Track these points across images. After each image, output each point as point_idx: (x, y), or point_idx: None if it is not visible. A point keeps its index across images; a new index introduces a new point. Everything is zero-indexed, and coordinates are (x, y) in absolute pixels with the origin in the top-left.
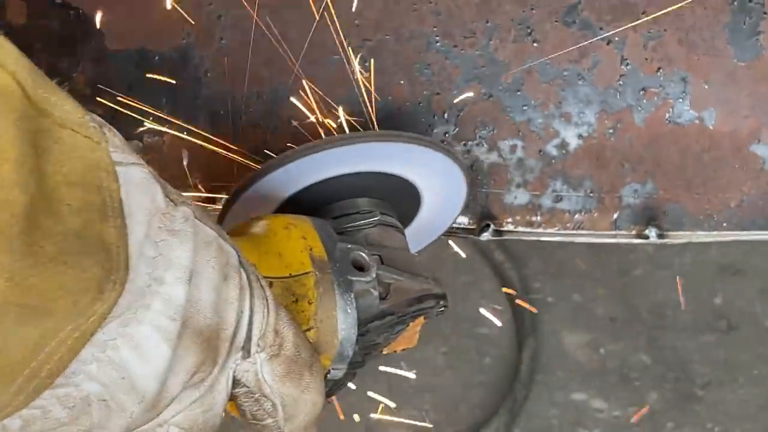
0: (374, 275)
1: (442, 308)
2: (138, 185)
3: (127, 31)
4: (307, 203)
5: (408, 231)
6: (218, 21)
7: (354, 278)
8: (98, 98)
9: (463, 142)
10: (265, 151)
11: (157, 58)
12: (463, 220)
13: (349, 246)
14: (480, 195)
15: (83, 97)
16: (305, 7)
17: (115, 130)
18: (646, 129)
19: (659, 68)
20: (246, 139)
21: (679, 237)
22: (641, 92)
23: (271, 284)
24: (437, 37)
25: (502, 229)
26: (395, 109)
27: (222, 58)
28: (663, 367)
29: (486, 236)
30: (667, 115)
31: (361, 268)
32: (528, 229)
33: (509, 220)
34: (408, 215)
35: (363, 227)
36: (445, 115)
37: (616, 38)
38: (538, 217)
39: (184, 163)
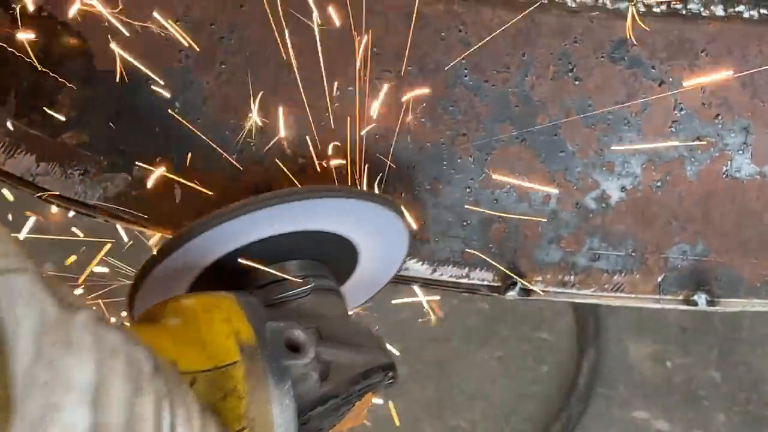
0: (312, 355)
1: (391, 380)
2: (21, 296)
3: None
4: (230, 271)
5: (345, 287)
6: (220, 43)
7: (289, 362)
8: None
9: (490, 191)
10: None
11: (149, 81)
12: (487, 277)
13: (282, 324)
14: (507, 250)
15: (68, 119)
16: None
17: None
18: (699, 183)
19: (718, 115)
20: (246, 177)
21: (732, 305)
22: (695, 141)
23: (194, 381)
24: (466, 71)
25: (530, 288)
26: (416, 149)
27: (222, 85)
28: (734, 386)
29: (512, 295)
30: (724, 169)
31: (296, 348)
32: (560, 290)
33: (539, 278)
34: (344, 270)
35: (295, 297)
36: (471, 159)
37: (670, 79)
38: (572, 277)
39: (176, 200)
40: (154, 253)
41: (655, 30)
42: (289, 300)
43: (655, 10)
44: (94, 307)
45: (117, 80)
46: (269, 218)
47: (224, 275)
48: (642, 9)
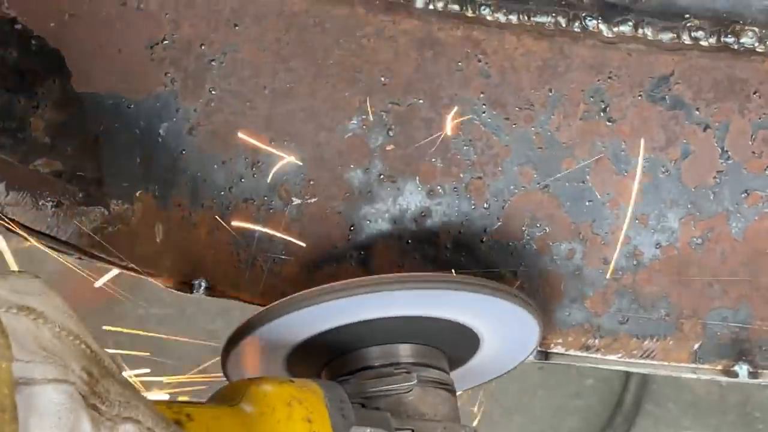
0: None
1: None
2: (48, 415)
3: (98, 70)
4: (329, 346)
5: (460, 371)
6: (210, 67)
7: None
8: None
9: (507, 242)
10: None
11: (131, 106)
12: None
13: (368, 431)
14: None
15: (40, 145)
16: (321, 53)
17: (43, 318)
18: (745, 242)
19: None
20: (235, 217)
21: None
22: (743, 195)
23: None
24: (484, 106)
25: (549, 351)
26: (426, 191)
27: (212, 113)
28: None
29: (528, 359)
30: None
31: None
32: (583, 354)
33: (559, 341)
34: (461, 357)
35: (395, 392)
36: (487, 206)
37: (717, 123)
38: (597, 341)
39: (157, 239)
40: (258, 312)
41: (702, 67)
42: (389, 394)
43: (702, 43)
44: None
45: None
46: (390, 300)
47: (327, 350)
48: (688, 41)
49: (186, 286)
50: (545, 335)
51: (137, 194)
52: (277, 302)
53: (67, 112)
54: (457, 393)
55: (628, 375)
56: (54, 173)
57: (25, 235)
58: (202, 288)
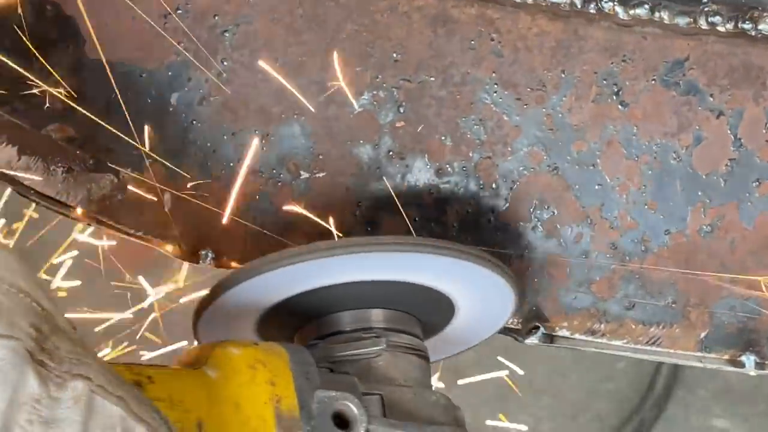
0: None
1: None
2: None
3: (111, 38)
4: (300, 311)
5: (434, 340)
6: (223, 38)
7: None
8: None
9: (515, 223)
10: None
11: (143, 75)
12: None
13: (334, 394)
14: (530, 290)
15: (52, 112)
16: (333, 27)
17: None
18: (756, 231)
19: None
20: (244, 188)
21: None
22: (755, 184)
23: None
24: (496, 86)
25: (554, 333)
26: (434, 170)
27: (223, 84)
28: None
29: (532, 341)
30: None
31: (345, 423)
32: (588, 338)
33: (564, 324)
34: (436, 324)
35: (365, 356)
36: (495, 186)
37: (730, 110)
38: (603, 325)
39: (166, 208)
40: (228, 274)
41: (717, 53)
42: (357, 359)
43: (719, 29)
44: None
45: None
46: (362, 263)
47: (299, 314)
48: (704, 26)
49: (194, 256)
50: (550, 318)
51: (147, 163)
52: (247, 264)
53: (80, 79)
54: (433, 361)
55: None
56: (66, 139)
57: (36, 199)
58: (209, 258)
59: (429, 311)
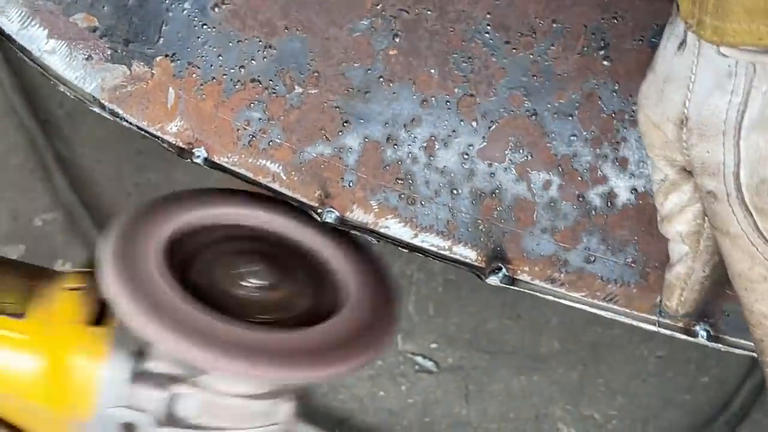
0: None
1: None
2: None
3: None
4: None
5: None
6: None
7: None
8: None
9: (488, 162)
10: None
11: None
12: (470, 255)
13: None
14: (495, 230)
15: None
16: None
17: None
18: None
19: None
20: (241, 94)
21: (736, 346)
22: None
23: None
24: (488, 26)
25: (516, 277)
26: (420, 101)
27: None
28: None
29: (494, 281)
30: None
31: None
32: (547, 285)
33: (525, 268)
34: None
35: None
36: (474, 124)
37: None
38: (562, 275)
39: (168, 105)
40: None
41: None
42: None
43: None
44: None
45: None
46: None
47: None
48: None
49: (187, 153)
50: (512, 260)
51: (157, 59)
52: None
53: None
54: None
55: (744, 379)
56: (89, 28)
57: (55, 80)
58: (201, 158)
59: None
